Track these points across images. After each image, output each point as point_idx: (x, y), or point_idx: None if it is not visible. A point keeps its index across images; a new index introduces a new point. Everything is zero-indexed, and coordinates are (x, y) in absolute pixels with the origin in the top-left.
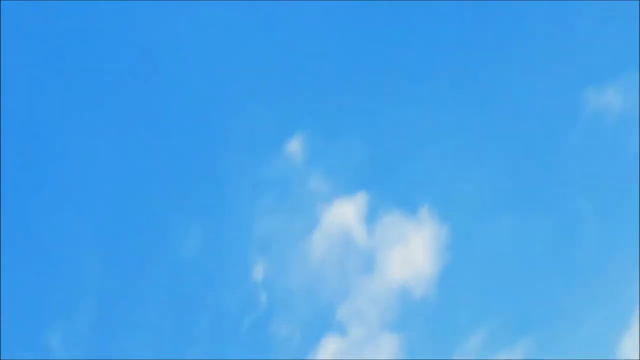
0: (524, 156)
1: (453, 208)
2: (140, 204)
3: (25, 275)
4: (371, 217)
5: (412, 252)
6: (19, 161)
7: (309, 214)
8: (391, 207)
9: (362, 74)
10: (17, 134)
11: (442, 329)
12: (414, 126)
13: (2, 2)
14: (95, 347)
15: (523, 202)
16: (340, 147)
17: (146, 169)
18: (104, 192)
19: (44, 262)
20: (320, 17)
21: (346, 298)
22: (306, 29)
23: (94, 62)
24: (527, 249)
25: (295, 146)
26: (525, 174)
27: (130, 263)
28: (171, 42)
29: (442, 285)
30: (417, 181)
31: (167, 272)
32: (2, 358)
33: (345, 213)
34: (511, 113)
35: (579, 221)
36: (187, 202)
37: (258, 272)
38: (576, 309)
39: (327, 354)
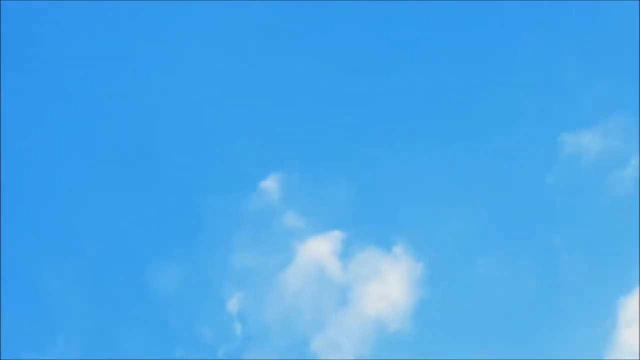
0: (501, 195)
1: (428, 245)
2: (120, 240)
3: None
4: (346, 253)
5: (386, 287)
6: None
7: (284, 250)
8: (366, 245)
9: (340, 114)
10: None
11: None
12: (391, 166)
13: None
14: None
15: (500, 238)
16: (315, 186)
17: (126, 206)
18: (88, 229)
19: (33, 295)
20: (299, 57)
21: (321, 330)
22: (286, 68)
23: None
24: (503, 283)
25: (271, 184)
26: (502, 211)
27: (111, 296)
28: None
29: (417, 319)
30: (392, 220)
31: (145, 305)
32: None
33: (320, 249)
34: (490, 154)
35: (556, 257)
36: (166, 237)
37: (234, 304)
38: (554, 342)
39: None
